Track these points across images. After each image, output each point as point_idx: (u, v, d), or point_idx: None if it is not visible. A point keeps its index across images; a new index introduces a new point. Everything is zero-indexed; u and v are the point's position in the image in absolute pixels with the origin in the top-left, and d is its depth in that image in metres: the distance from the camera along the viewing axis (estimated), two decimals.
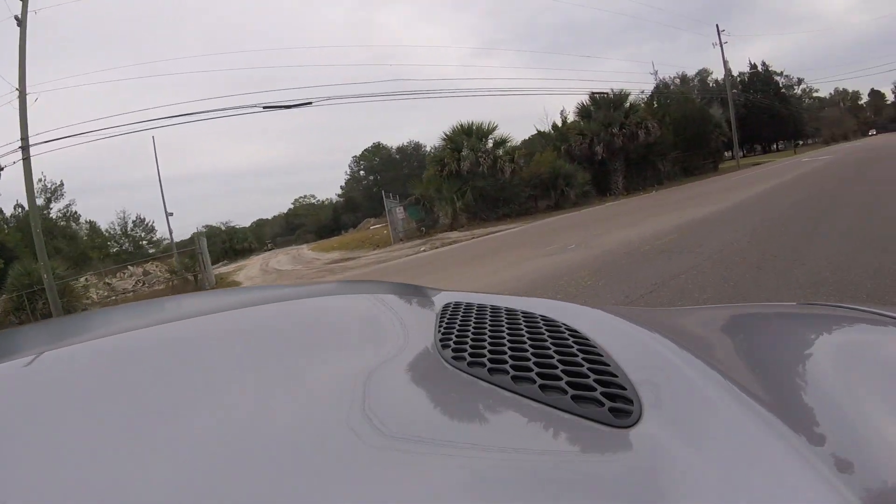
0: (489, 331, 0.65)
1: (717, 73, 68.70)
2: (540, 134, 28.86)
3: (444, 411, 0.48)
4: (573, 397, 0.44)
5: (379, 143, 66.21)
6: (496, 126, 23.33)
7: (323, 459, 0.37)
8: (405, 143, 63.16)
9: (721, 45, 39.79)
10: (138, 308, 1.22)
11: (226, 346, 0.66)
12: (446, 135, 23.44)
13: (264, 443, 0.39)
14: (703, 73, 59.37)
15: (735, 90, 53.47)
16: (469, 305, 0.81)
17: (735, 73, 68.32)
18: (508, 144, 23.26)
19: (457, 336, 0.64)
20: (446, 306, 0.83)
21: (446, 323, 0.72)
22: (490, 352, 0.57)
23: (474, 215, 22.52)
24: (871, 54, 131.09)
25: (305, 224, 70.16)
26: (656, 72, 40.75)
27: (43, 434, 0.42)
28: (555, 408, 0.43)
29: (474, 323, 0.70)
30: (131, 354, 0.62)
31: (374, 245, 21.90)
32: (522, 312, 0.73)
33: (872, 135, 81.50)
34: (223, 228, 65.80)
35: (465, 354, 0.57)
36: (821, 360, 0.56)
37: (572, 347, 0.56)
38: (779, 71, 72.87)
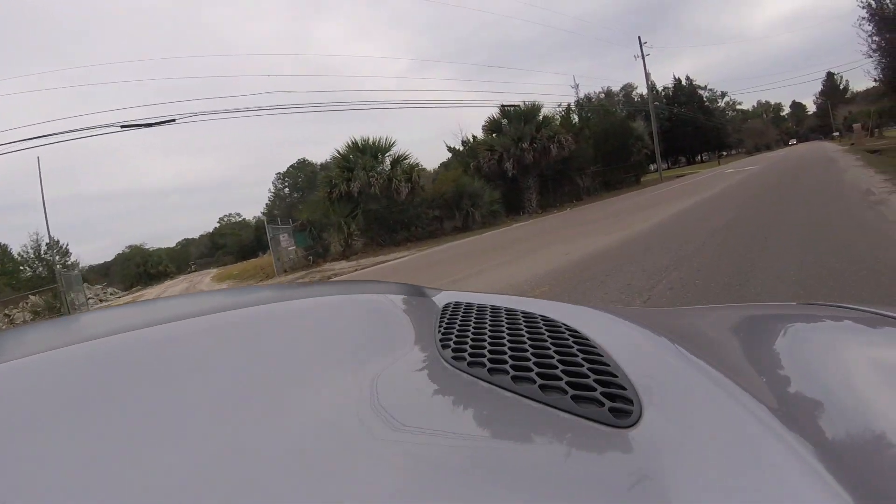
0: (489, 331, 0.65)
1: (642, 88, 69.24)
2: (450, 150, 26.62)
3: (443, 411, 0.47)
4: (573, 397, 0.44)
5: (304, 159, 63.05)
6: (394, 142, 20.95)
7: (322, 459, 0.37)
8: (329, 160, 60.37)
9: (643, 57, 38.84)
10: (135, 308, 1.07)
11: (225, 346, 0.64)
12: (339, 153, 20.89)
13: (262, 444, 0.39)
14: (628, 88, 59.22)
15: (658, 103, 53.36)
16: (469, 305, 0.81)
17: (660, 88, 69.02)
18: (406, 162, 20.83)
19: (457, 336, 0.64)
20: (446, 306, 0.83)
21: (446, 323, 0.71)
22: (490, 352, 0.56)
23: (372, 240, 20.16)
24: (795, 68, 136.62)
25: (227, 244, 66.50)
26: (577, 85, 39.51)
27: (42, 436, 0.41)
28: (555, 408, 0.43)
29: (474, 323, 0.69)
30: (130, 355, 0.60)
31: (266, 275, 19.41)
32: (522, 312, 0.73)
33: (792, 144, 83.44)
34: (148, 249, 62.21)
35: (465, 354, 0.57)
36: (821, 360, 0.56)
37: (572, 347, 0.56)
38: (703, 84, 74.10)
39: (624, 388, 0.45)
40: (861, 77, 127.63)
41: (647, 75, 39.65)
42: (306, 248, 19.91)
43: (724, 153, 78.17)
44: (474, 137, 25.56)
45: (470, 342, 0.61)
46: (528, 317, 0.70)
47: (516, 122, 24.16)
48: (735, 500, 0.31)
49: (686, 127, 63.90)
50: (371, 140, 20.67)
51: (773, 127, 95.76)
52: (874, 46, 22.74)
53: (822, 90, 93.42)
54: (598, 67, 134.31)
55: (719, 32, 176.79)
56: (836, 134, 71.67)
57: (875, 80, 26.55)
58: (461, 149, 26.26)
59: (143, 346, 0.62)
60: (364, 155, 20.32)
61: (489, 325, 0.67)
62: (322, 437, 0.40)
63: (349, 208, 19.64)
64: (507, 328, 0.65)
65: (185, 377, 0.54)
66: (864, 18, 21.17)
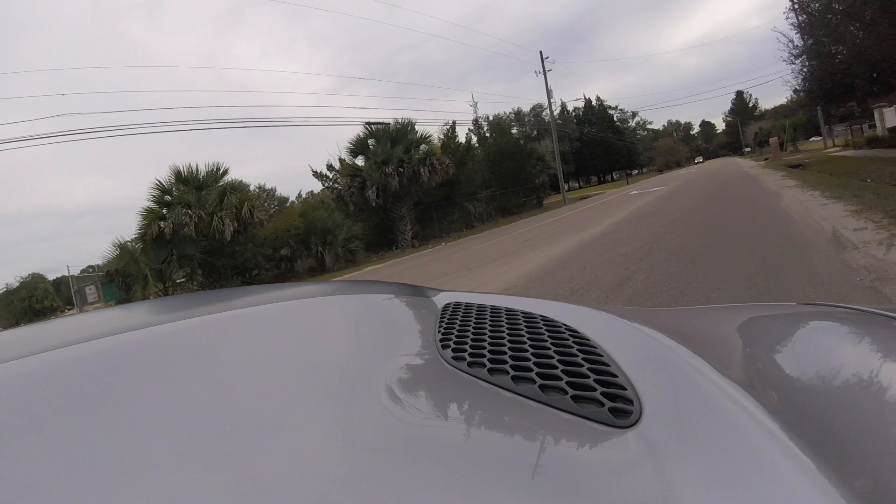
0: (489, 331, 0.64)
1: (554, 107, 67.86)
2: (316, 175, 22.33)
3: (444, 411, 0.47)
4: (573, 397, 0.43)
5: None
6: (226, 170, 16.75)
7: (322, 460, 0.36)
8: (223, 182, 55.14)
9: (544, 73, 35.34)
10: (132, 309, 1.04)
11: (225, 347, 0.62)
12: (159, 184, 16.26)
13: (263, 443, 0.38)
14: (538, 108, 57.06)
15: (559, 121, 51.44)
16: (469, 305, 0.80)
17: (571, 108, 67.82)
18: (237, 195, 16.34)
19: (457, 336, 0.63)
20: (446, 306, 0.81)
21: (446, 323, 0.70)
22: (490, 352, 0.56)
23: (202, 290, 15.88)
24: (706, 86, 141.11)
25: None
26: (476, 104, 36.26)
27: (43, 437, 0.40)
28: (555, 408, 0.42)
29: (474, 323, 0.68)
30: (128, 356, 0.58)
31: None
32: (522, 313, 0.72)
33: (699, 162, 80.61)
34: (46, 279, 55.74)
35: (466, 354, 0.56)
36: (821, 360, 0.55)
37: (572, 348, 0.55)
38: (613, 105, 73.56)
39: (624, 389, 0.45)
40: (770, 95, 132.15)
41: (549, 92, 35.44)
42: (119, 302, 15.60)
43: (636, 171, 77.87)
44: (342, 161, 21.23)
45: (470, 342, 0.60)
46: (528, 317, 0.69)
47: (384, 142, 20.10)
48: (734, 500, 0.31)
49: (596, 147, 62.70)
50: (199, 168, 16.46)
51: (684, 145, 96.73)
52: (796, 52, 20.01)
53: (731, 108, 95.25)
54: (518, 89, 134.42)
55: (634, 57, 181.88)
56: (747, 149, 71.49)
57: (795, 91, 22.94)
58: (329, 174, 22.09)
59: (145, 346, 0.60)
60: (187, 186, 16.12)
61: (489, 326, 0.66)
62: (322, 436, 0.39)
63: (165, 253, 15.35)
64: (507, 328, 0.64)
65: (186, 377, 0.52)
66: (792, 10, 18.33)
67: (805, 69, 20.36)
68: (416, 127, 20.43)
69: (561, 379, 0.46)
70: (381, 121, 20.48)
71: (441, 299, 0.89)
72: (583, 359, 0.51)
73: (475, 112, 33.55)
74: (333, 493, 0.32)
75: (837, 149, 27.62)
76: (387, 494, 0.32)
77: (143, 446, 0.38)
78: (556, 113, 64.65)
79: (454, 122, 24.26)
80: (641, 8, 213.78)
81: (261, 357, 0.58)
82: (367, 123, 20.55)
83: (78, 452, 0.37)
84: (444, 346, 0.60)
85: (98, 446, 0.38)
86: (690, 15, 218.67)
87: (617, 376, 0.47)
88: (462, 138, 27.83)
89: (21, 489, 0.33)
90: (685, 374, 0.49)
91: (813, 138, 50.33)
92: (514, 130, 59.38)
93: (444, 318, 0.73)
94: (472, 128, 31.89)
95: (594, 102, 68.04)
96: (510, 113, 57.46)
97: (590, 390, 0.44)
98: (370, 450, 0.38)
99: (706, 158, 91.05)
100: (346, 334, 0.70)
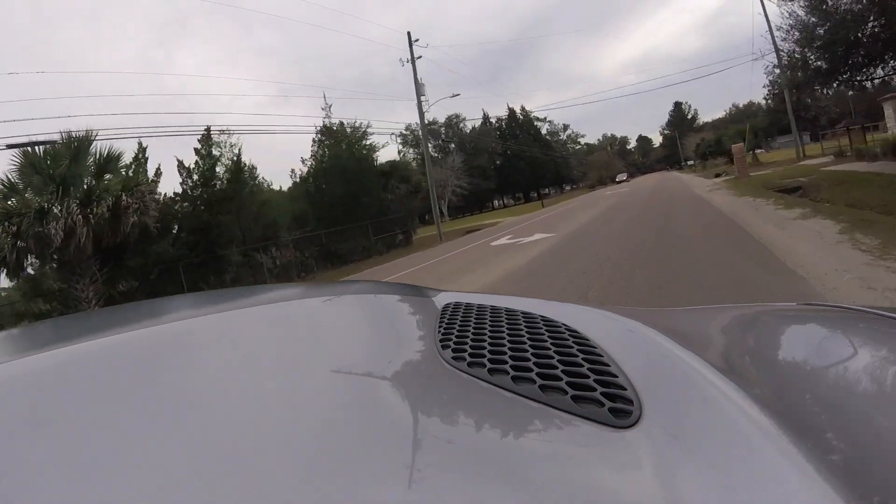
0: (489, 331, 0.63)
1: (466, 121, 59.95)
2: None
3: (443, 411, 0.46)
4: (573, 397, 0.43)
5: None
6: None
7: (322, 460, 0.36)
8: None
9: (413, 62, 24.78)
10: (132, 309, 1.03)
11: (226, 346, 0.63)
12: None
13: (264, 443, 0.38)
14: (453, 119, 48.88)
15: (439, 128, 43.52)
16: (469, 306, 0.78)
17: (493, 119, 60.41)
18: None
19: (457, 336, 0.62)
20: (446, 306, 0.80)
21: (446, 323, 0.69)
22: (490, 352, 0.55)
23: None
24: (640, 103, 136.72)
25: None
26: (329, 106, 26.44)
27: (44, 437, 0.40)
28: (555, 408, 0.42)
29: (474, 323, 0.67)
30: (129, 355, 0.58)
31: None
32: (522, 313, 0.71)
33: (622, 180, 65.02)
34: None
35: (465, 355, 0.55)
36: (821, 360, 0.55)
37: (572, 348, 0.54)
38: (542, 117, 66.44)
39: (624, 389, 0.44)
40: (708, 109, 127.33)
41: (420, 87, 24.63)
42: None
43: (570, 187, 71.12)
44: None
45: (470, 342, 0.59)
46: (528, 317, 0.68)
47: (41, 174, 11.28)
48: (734, 500, 0.30)
49: (520, 161, 55.32)
50: None
51: (619, 159, 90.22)
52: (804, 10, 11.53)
53: (669, 120, 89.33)
54: (459, 106, 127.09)
55: (573, 76, 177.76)
56: (689, 163, 63.24)
57: (780, 64, 14.70)
58: None
59: (145, 346, 0.60)
60: None
61: (489, 326, 0.65)
62: (322, 436, 0.39)
63: None
64: (507, 328, 0.63)
65: (187, 376, 0.52)
66: None
67: (799, 23, 11.98)
68: (92, 142, 11.56)
69: (561, 379, 0.45)
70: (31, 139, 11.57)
71: (441, 299, 0.86)
72: (583, 359, 0.50)
73: (328, 116, 23.77)
74: (333, 493, 0.31)
75: (827, 159, 18.96)
76: (386, 494, 0.31)
77: (142, 447, 0.37)
78: (461, 124, 55.55)
79: (208, 129, 15.50)
80: (582, 27, 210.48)
81: (261, 357, 0.57)
82: (9, 145, 11.36)
83: (76, 453, 0.36)
84: (444, 346, 0.58)
85: (97, 447, 0.37)
86: (627, 35, 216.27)
87: (617, 376, 0.46)
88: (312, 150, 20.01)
89: (18, 490, 0.32)
90: (685, 374, 0.48)
91: (757, 150, 42.08)
92: (431, 145, 50.70)
93: (445, 318, 0.71)
94: (321, 138, 22.88)
95: (518, 113, 60.83)
96: (426, 125, 49.42)
97: (590, 390, 0.43)
98: (370, 450, 0.37)
99: (641, 173, 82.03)
100: (346, 334, 0.69)
